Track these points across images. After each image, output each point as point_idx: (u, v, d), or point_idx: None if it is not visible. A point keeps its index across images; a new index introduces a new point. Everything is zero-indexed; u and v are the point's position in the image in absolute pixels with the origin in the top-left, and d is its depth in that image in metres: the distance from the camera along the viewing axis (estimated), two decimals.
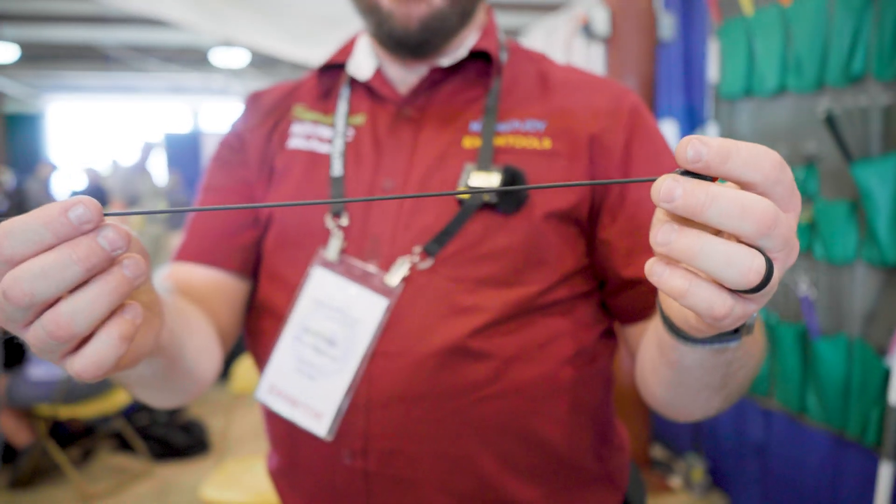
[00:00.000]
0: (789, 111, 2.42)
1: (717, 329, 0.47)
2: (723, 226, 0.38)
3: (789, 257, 0.41)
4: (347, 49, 0.92)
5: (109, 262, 0.39)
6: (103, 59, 11.69)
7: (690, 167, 0.39)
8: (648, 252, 0.78)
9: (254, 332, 0.88)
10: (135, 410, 3.85)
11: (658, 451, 3.40)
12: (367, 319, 0.77)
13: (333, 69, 0.91)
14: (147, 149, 5.96)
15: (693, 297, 0.40)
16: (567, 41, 3.15)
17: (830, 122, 2.09)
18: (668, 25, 2.88)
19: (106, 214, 0.39)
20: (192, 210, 0.50)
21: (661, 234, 0.40)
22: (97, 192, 7.14)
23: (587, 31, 2.87)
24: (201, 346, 0.76)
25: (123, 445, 3.74)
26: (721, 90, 2.74)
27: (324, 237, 0.82)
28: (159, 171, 6.01)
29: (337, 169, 0.83)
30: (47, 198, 7.38)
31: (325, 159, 0.85)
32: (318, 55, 4.07)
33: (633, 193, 0.80)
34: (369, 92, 0.88)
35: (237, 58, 10.08)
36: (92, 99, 13.53)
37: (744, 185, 0.40)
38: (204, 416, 4.09)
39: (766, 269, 0.39)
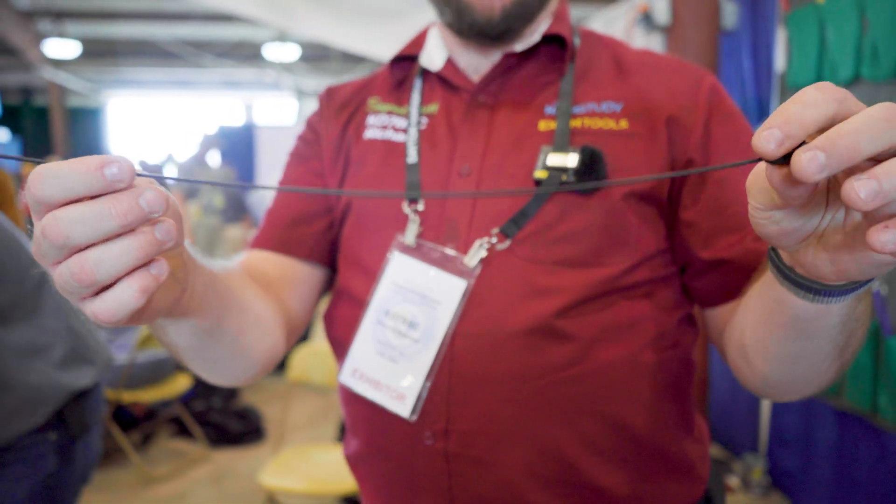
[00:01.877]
0: (864, 100, 2.31)
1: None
2: (881, 147, 0.37)
3: None
4: (419, 41, 0.93)
5: (144, 221, 0.40)
6: (161, 55, 12.00)
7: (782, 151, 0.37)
8: (731, 233, 0.77)
9: (333, 317, 0.89)
10: (192, 397, 3.95)
11: (715, 450, 3.33)
12: (447, 301, 0.77)
13: (405, 61, 0.92)
14: (206, 142, 6.09)
15: None
16: (627, 31, 3.09)
17: None
18: (731, 14, 2.80)
19: (138, 175, 0.41)
20: (240, 186, 0.50)
21: (866, 188, 0.37)
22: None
23: (647, 20, 2.82)
24: (249, 321, 0.76)
25: (181, 431, 3.84)
26: (789, 80, 2.66)
27: (401, 223, 0.82)
28: (215, 164, 6.12)
29: (412, 156, 0.84)
30: None
31: (400, 147, 0.86)
32: (374, 48, 4.09)
33: (713, 173, 0.78)
34: (442, 82, 0.88)
35: (289, 53, 10.24)
36: (149, 93, 13.90)
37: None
38: (259, 403, 4.16)
39: None
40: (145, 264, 0.42)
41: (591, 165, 0.75)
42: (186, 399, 3.89)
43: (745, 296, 0.74)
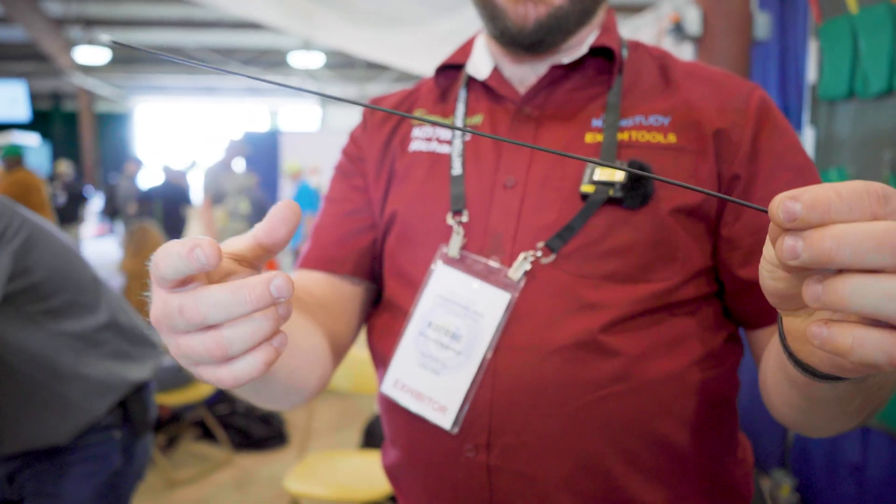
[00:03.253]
0: None
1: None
2: (859, 265, 0.35)
3: None
4: (466, 50, 0.92)
5: (272, 305, 0.44)
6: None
7: (789, 226, 0.37)
8: None
9: (375, 328, 0.89)
10: (216, 401, 3.97)
11: None
12: (491, 314, 0.77)
13: (451, 69, 0.92)
14: (232, 148, 6.15)
15: (862, 351, 0.37)
16: (657, 40, 3.08)
17: None
18: (763, 24, 2.78)
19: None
20: None
21: (809, 291, 0.37)
22: (173, 189, 7.42)
23: (678, 30, 2.81)
24: (301, 363, 0.76)
25: (205, 434, 3.86)
26: (820, 91, 2.63)
27: (445, 235, 0.82)
28: (240, 170, 6.19)
29: (457, 168, 0.84)
30: (136, 192, 7.72)
31: (445, 159, 0.86)
32: (395, 56, 4.12)
33: (759, 190, 0.77)
34: (487, 92, 0.88)
35: (314, 60, 10.34)
36: (176, 99, 14.08)
37: None
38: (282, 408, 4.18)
39: None
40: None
41: (638, 180, 0.75)
42: (210, 403, 3.92)
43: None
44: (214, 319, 0.42)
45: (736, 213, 0.77)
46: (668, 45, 2.98)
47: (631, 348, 0.74)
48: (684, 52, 2.91)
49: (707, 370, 0.78)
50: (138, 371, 1.66)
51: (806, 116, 2.76)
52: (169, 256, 0.41)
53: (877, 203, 0.36)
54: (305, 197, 7.80)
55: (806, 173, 0.78)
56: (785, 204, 0.36)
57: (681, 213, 0.76)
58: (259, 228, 0.47)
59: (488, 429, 0.76)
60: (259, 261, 0.49)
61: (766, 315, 0.77)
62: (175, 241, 0.42)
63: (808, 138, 2.66)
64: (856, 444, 2.52)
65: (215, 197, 6.00)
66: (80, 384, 1.53)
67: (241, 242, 0.48)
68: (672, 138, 0.78)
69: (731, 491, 0.83)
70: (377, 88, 12.39)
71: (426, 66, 3.73)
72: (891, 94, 2.30)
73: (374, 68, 11.38)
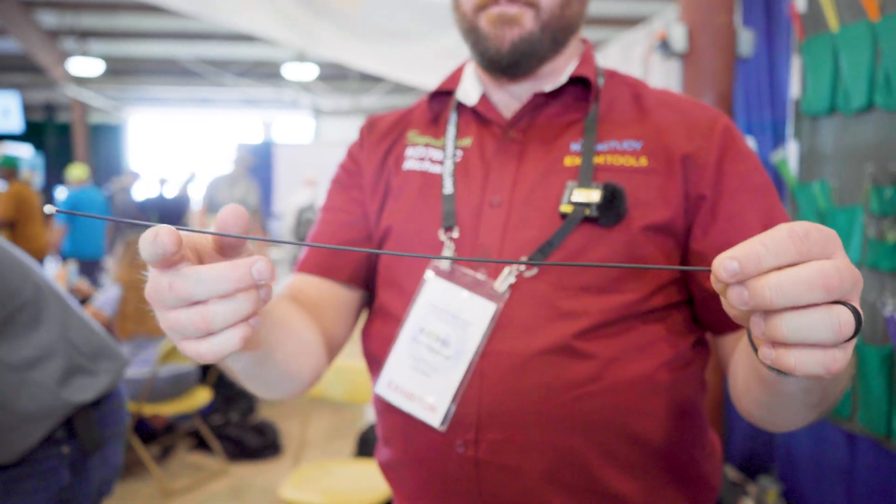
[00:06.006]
0: (877, 128, 2.37)
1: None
2: (796, 304, 0.42)
3: (858, 285, 0.44)
4: (455, 77, 1.00)
5: (254, 287, 0.49)
6: (182, 73, 12.20)
7: (733, 281, 0.44)
8: None
9: (370, 333, 0.96)
10: (211, 411, 4.00)
11: (730, 472, 3.33)
12: (478, 322, 0.84)
13: (442, 95, 0.99)
14: (240, 160, 6.17)
15: (804, 367, 0.44)
16: (645, 57, 3.15)
17: None
18: (747, 41, 2.85)
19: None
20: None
21: (754, 327, 0.45)
22: (168, 201, 7.45)
23: (664, 46, 2.87)
24: (297, 349, 0.83)
25: (200, 444, 3.89)
26: (803, 107, 2.70)
27: (437, 249, 0.89)
28: (243, 182, 6.20)
29: (448, 187, 0.91)
30: (132, 205, 7.74)
31: (437, 179, 0.93)
32: (391, 69, 4.17)
33: (725, 209, 0.84)
34: (476, 116, 0.95)
35: (307, 72, 10.39)
36: (170, 111, 14.11)
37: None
38: (276, 418, 4.21)
39: (854, 315, 0.43)
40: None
41: (612, 201, 0.82)
42: (205, 413, 3.95)
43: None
44: (200, 295, 0.48)
45: (704, 229, 0.85)
46: (656, 61, 3.05)
47: (604, 352, 0.81)
48: (671, 69, 2.98)
49: (675, 371, 0.85)
50: (91, 386, 1.59)
51: (790, 131, 2.83)
52: (144, 242, 0.46)
53: (800, 242, 0.43)
54: (85, 204, 6.74)
55: (765, 192, 0.86)
56: (724, 264, 0.43)
57: (651, 230, 0.83)
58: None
59: (476, 426, 0.83)
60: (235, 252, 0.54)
61: (731, 322, 0.84)
62: (150, 228, 0.47)
63: (792, 152, 2.73)
64: (842, 449, 2.58)
65: (211, 207, 6.03)
66: (12, 417, 1.46)
67: (203, 237, 0.53)
68: (644, 161, 0.86)
69: (699, 482, 0.90)
70: (371, 100, 12.46)
71: (426, 80, 3.79)
72: (871, 110, 2.37)
73: (368, 80, 11.45)
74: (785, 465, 2.96)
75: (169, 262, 0.48)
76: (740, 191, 0.85)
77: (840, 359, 0.44)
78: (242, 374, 0.77)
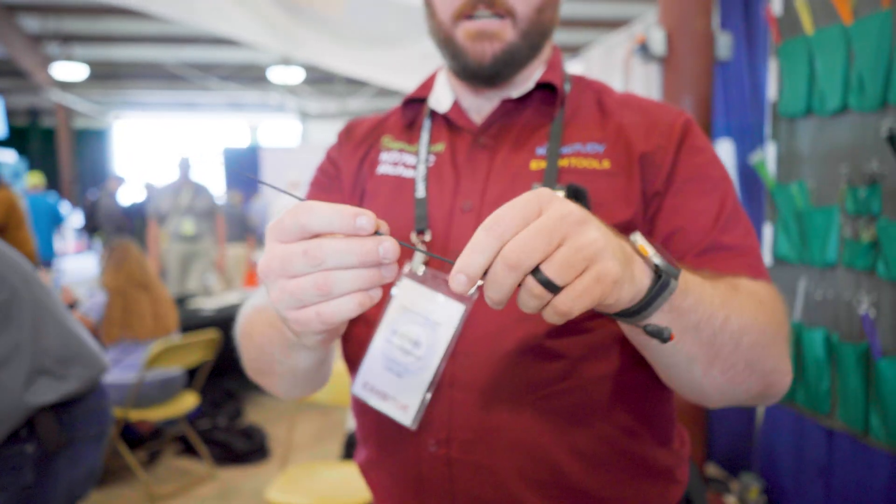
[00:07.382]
0: (851, 130, 2.41)
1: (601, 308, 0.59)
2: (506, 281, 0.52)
3: (594, 265, 0.54)
4: (428, 84, 1.02)
5: (378, 263, 0.53)
6: (167, 78, 12.15)
7: (470, 290, 0.52)
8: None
9: (348, 337, 0.97)
10: (198, 416, 4.00)
11: (713, 470, 3.37)
12: (447, 323, 0.86)
13: (415, 102, 1.01)
14: (183, 167, 6.09)
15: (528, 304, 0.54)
16: (626, 61, 3.19)
17: (893, 141, 2.09)
18: (725, 45, 2.89)
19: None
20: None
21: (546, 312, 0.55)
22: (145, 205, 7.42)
23: (644, 50, 2.91)
24: (330, 355, 0.88)
25: (187, 449, 3.88)
26: (780, 109, 2.74)
27: (409, 252, 0.90)
28: (215, 188, 6.11)
29: (420, 191, 0.93)
30: (117, 210, 7.72)
31: (410, 183, 0.95)
32: (376, 74, 4.19)
33: (670, 200, 0.86)
34: (448, 122, 0.97)
35: (293, 76, 10.39)
36: (155, 115, 14.05)
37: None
38: (263, 422, 4.21)
39: (541, 282, 0.51)
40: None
41: (575, 201, 0.84)
42: (192, 417, 3.94)
43: None
44: (330, 263, 0.52)
45: (653, 224, 0.86)
46: (636, 64, 3.09)
47: (572, 351, 0.83)
48: (651, 72, 3.02)
49: (642, 370, 0.87)
50: (55, 389, 1.58)
51: (768, 132, 2.87)
52: (320, 217, 0.51)
53: (492, 233, 0.52)
54: (39, 209, 7.14)
55: (718, 183, 0.87)
56: (457, 279, 0.51)
57: (616, 229, 0.85)
58: None
59: (448, 426, 0.85)
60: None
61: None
62: (319, 203, 0.52)
63: (770, 153, 2.77)
64: (821, 445, 2.62)
65: (159, 218, 5.97)
66: None
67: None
68: (606, 164, 0.88)
69: (665, 477, 0.92)
70: (357, 103, 12.46)
71: (407, 83, 3.80)
72: (845, 112, 2.42)
73: (354, 83, 11.46)
74: (766, 461, 3.00)
75: (310, 234, 0.52)
76: (689, 182, 0.86)
77: (531, 305, 0.53)
78: (301, 371, 0.82)
